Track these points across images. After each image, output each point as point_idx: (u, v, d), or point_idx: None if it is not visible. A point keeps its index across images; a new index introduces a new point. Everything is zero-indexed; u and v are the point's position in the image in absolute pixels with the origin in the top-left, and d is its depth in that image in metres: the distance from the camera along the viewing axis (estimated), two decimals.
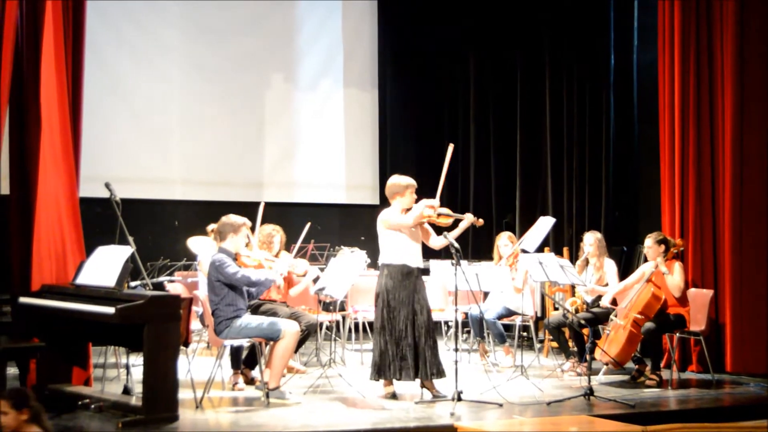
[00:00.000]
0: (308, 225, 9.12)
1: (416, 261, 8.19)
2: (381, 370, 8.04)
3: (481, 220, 8.47)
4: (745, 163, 9.48)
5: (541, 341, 11.11)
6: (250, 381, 8.60)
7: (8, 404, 5.17)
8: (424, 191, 8.56)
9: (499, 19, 13.58)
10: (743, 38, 9.53)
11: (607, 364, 9.00)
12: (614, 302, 9.21)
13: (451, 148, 8.42)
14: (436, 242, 8.35)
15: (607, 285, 9.50)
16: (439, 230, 8.32)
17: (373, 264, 10.92)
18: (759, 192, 9.41)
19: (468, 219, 8.28)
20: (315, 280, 9.10)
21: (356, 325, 10.77)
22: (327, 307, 10.31)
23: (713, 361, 9.20)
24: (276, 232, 9.15)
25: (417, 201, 8.28)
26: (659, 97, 10.22)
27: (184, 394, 7.39)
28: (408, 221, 8.10)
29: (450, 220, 8.31)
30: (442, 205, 8.36)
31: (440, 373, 8.04)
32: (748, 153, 9.47)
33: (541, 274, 9.01)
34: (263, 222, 9.02)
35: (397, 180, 8.33)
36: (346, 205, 14.04)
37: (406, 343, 7.95)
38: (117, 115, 12.55)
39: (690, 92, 9.88)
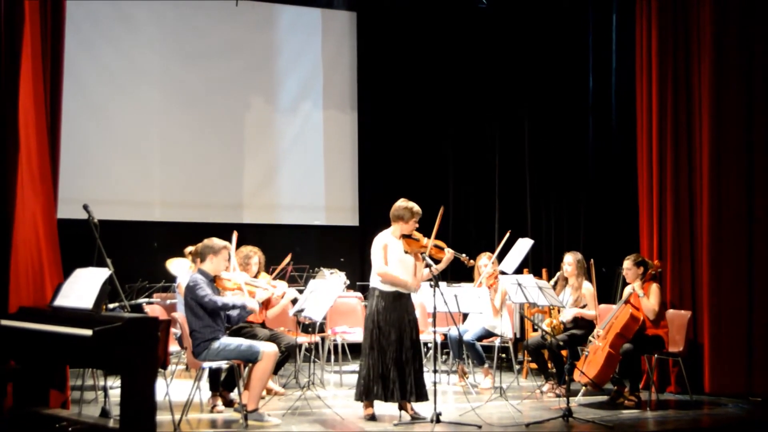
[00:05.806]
0: (289, 257, 9.10)
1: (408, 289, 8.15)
2: (367, 391, 7.95)
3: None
4: (722, 185, 9.53)
5: (520, 362, 11.11)
6: (228, 403, 8.56)
7: None
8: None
9: (478, 39, 13.68)
10: (721, 62, 9.59)
11: (585, 385, 9.01)
12: None
13: (441, 210, 8.25)
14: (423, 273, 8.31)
15: (584, 306, 9.53)
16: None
17: (352, 285, 10.93)
18: (737, 214, 9.46)
19: (452, 253, 8.20)
20: (293, 302, 9.08)
21: (335, 346, 10.73)
22: (306, 328, 10.29)
23: (692, 382, 9.23)
24: (254, 254, 9.12)
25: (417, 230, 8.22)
26: (637, 119, 10.29)
27: (162, 417, 7.34)
28: (383, 269, 7.98)
29: (442, 255, 8.24)
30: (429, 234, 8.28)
31: (421, 396, 7.98)
32: (726, 175, 9.52)
33: (520, 296, 9.03)
34: (242, 244, 9.01)
35: (404, 204, 8.14)
36: (326, 227, 14.01)
37: (393, 365, 7.88)
38: (96, 137, 12.56)
39: (668, 115, 9.94)
